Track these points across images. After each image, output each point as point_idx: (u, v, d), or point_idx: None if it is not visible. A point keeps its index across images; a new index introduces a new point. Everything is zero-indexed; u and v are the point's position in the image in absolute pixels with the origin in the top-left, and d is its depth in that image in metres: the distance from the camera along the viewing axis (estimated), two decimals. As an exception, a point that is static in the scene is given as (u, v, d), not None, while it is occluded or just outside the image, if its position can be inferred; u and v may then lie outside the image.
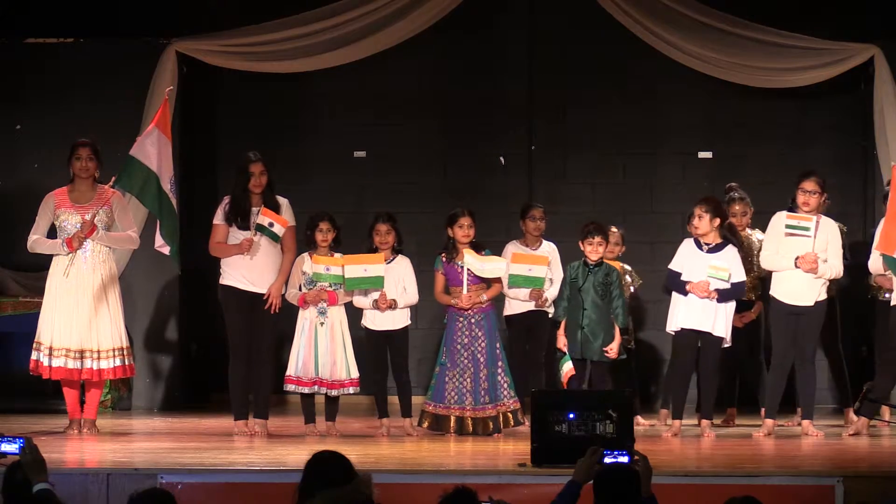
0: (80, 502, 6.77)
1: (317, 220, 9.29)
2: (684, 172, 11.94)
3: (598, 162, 12.01)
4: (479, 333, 9.26)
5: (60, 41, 11.55)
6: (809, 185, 9.18)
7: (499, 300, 9.67)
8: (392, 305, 9.24)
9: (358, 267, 9.15)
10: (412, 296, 9.35)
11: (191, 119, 11.72)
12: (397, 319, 9.32)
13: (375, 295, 9.22)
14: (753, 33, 11.19)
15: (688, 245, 9.40)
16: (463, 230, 9.27)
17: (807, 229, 9.12)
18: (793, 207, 9.27)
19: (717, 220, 9.27)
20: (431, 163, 12.07)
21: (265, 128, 11.98)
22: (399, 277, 9.31)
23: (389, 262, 9.28)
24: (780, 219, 9.27)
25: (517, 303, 9.79)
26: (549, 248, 9.90)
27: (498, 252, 9.63)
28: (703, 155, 11.95)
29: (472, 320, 9.26)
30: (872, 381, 9.15)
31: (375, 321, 9.31)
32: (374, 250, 9.30)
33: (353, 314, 9.46)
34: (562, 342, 9.20)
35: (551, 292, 9.62)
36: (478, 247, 9.32)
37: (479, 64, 12.02)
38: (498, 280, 9.33)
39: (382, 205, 11.51)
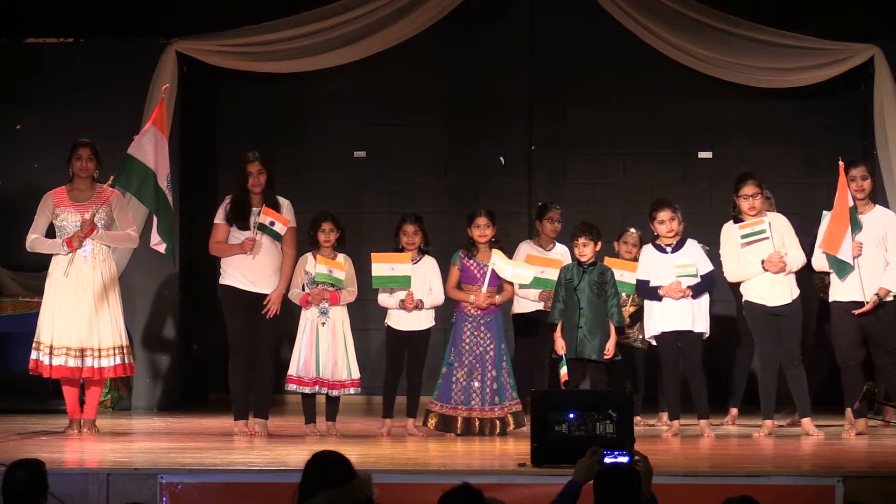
0: (80, 502, 6.76)
1: (319, 220, 9.28)
2: (684, 172, 11.95)
3: (598, 162, 12.01)
4: (488, 334, 9.25)
5: (60, 41, 11.55)
6: (749, 188, 9.13)
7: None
8: (419, 305, 9.25)
9: (385, 265, 9.16)
10: (438, 296, 9.36)
11: (191, 119, 11.73)
12: (423, 321, 9.32)
13: (402, 294, 9.22)
14: (753, 33, 11.21)
15: (649, 251, 9.41)
16: (479, 230, 9.28)
17: (763, 231, 9.09)
18: (737, 216, 9.23)
19: None
20: (431, 163, 12.06)
21: (265, 128, 11.98)
22: (425, 278, 9.32)
23: (416, 263, 9.28)
24: (731, 230, 9.22)
25: (526, 302, 9.82)
26: (562, 251, 9.94)
27: (511, 250, 9.63)
28: (703, 155, 11.96)
29: (482, 321, 9.25)
30: (873, 381, 9.13)
31: (401, 321, 9.31)
32: (400, 250, 9.30)
33: (355, 314, 9.45)
34: (559, 345, 9.18)
35: None
36: (503, 251, 9.31)
37: (479, 64, 12.03)
38: (510, 283, 9.33)
39: (382, 205, 11.55)
